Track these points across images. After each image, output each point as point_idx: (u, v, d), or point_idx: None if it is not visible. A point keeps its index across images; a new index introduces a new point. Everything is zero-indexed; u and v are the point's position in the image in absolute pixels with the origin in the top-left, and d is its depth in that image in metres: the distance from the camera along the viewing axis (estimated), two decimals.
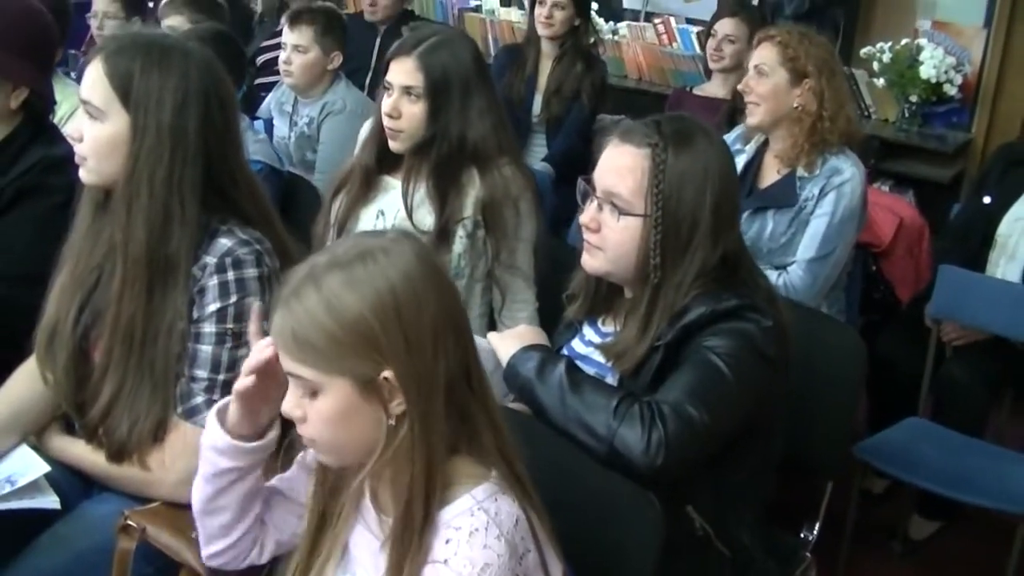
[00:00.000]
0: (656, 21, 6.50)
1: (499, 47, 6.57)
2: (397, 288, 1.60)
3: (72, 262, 2.26)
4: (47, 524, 2.19)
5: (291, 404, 1.66)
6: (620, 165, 2.24)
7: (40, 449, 2.29)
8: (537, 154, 4.95)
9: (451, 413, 1.64)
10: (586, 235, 2.30)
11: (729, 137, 3.71)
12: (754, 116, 3.55)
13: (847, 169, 3.46)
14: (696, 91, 5.12)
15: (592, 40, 5.20)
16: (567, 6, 4.91)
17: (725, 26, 4.90)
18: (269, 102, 4.64)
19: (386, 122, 2.92)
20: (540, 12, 4.92)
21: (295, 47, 4.27)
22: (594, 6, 6.37)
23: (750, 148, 3.69)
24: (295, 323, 1.61)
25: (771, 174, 3.60)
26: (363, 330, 1.58)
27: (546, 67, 5.00)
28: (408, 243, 1.67)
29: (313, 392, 1.63)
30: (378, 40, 5.49)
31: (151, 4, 5.43)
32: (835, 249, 3.45)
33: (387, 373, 1.59)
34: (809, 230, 3.46)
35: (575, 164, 4.78)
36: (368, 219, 3.00)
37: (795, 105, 3.48)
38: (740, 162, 3.58)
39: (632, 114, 5.22)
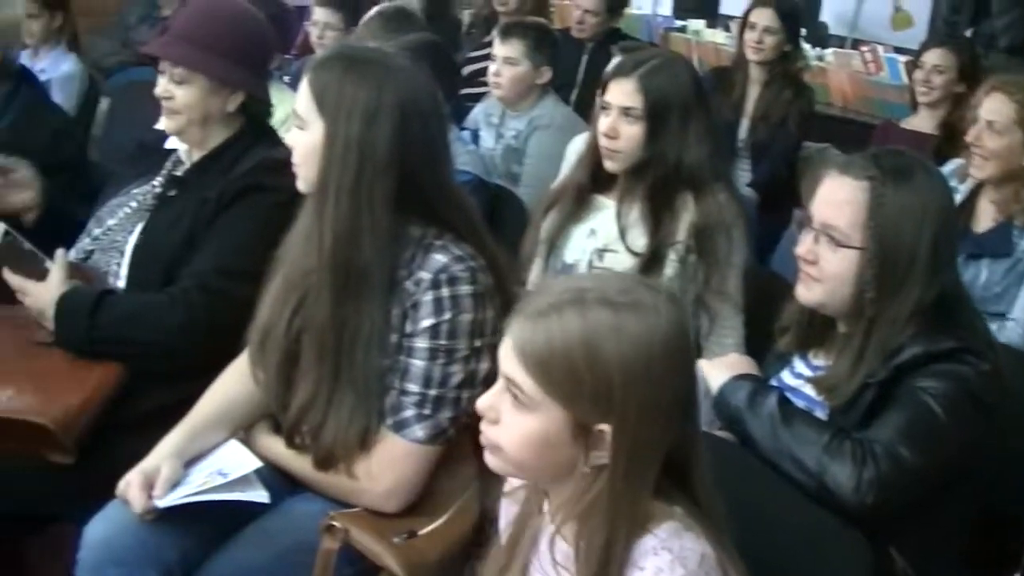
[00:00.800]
0: (863, 49, 6.40)
1: (704, 69, 6.57)
2: (654, 354, 1.57)
3: (287, 266, 2.32)
4: (252, 518, 2.25)
5: (488, 403, 1.65)
6: (839, 198, 2.22)
7: (249, 446, 2.36)
8: (741, 179, 4.91)
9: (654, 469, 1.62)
10: (802, 266, 2.29)
11: (945, 170, 3.63)
12: (981, 170, 3.46)
13: None
14: (903, 124, 5.00)
15: (799, 66, 5.18)
16: (778, 31, 4.88)
17: (933, 56, 4.78)
18: (476, 114, 4.69)
19: (603, 142, 2.94)
20: (750, 37, 4.90)
21: (505, 59, 4.33)
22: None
23: (964, 188, 3.59)
24: (545, 339, 1.58)
25: (986, 219, 3.50)
26: (606, 379, 1.55)
27: (753, 92, 4.98)
28: (676, 310, 1.64)
29: (523, 405, 1.61)
30: (585, 57, 5.51)
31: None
32: None
33: (604, 427, 1.57)
34: None
35: (779, 191, 4.76)
36: (580, 237, 3.03)
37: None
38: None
39: (836, 143, 5.19)
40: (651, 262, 2.89)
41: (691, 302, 2.97)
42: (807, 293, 2.29)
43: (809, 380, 2.33)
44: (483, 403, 1.66)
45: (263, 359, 2.33)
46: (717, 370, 2.35)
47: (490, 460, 1.69)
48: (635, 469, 1.59)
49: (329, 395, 2.19)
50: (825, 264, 2.23)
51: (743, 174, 4.94)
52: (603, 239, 2.98)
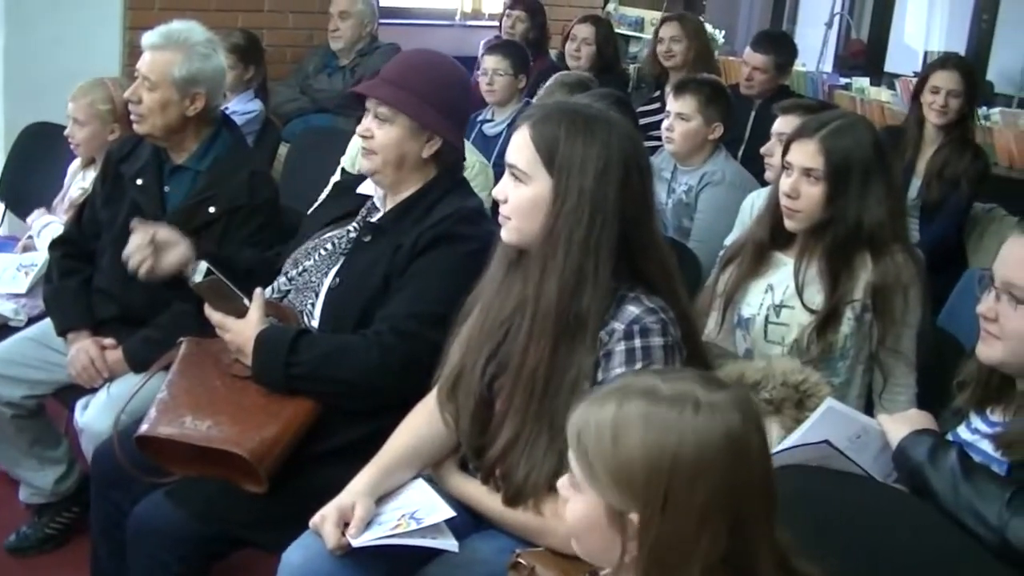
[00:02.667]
0: None
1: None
2: (684, 449, 1.56)
3: (482, 314, 2.40)
4: (438, 553, 2.32)
5: (563, 482, 1.71)
6: (1021, 257, 2.23)
7: (437, 483, 2.45)
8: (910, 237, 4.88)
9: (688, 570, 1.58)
10: (984, 324, 2.29)
11: None
12: None
13: None
14: None
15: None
16: (962, 95, 4.82)
17: None
18: None
19: (784, 201, 2.97)
20: (934, 100, 4.84)
21: (678, 115, 4.38)
22: None
23: None
24: (583, 425, 1.64)
25: None
26: (628, 469, 1.58)
27: (926, 152, 4.91)
28: (739, 411, 1.61)
29: (575, 485, 1.66)
30: (753, 114, 5.57)
31: (532, 62, 5.73)
32: None
33: (633, 516, 1.59)
34: None
35: (947, 252, 4.72)
36: (757, 293, 3.06)
37: None
38: None
39: (1003, 203, 5.12)
40: (828, 319, 2.91)
41: (865, 359, 2.99)
42: (988, 351, 2.29)
43: (987, 436, 2.32)
44: (561, 483, 1.72)
45: (455, 401, 2.42)
46: (897, 424, 2.37)
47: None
48: (662, 565, 1.59)
49: (529, 437, 2.26)
50: (1006, 322, 2.23)
51: (911, 233, 4.89)
52: (780, 295, 3.01)
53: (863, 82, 7.10)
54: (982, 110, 6.34)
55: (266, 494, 2.54)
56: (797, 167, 2.97)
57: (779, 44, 5.83)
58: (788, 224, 2.99)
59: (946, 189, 4.80)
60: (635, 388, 1.63)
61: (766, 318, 3.02)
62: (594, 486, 1.62)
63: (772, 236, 3.07)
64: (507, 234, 2.35)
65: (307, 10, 6.71)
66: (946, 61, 5.10)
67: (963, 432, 2.40)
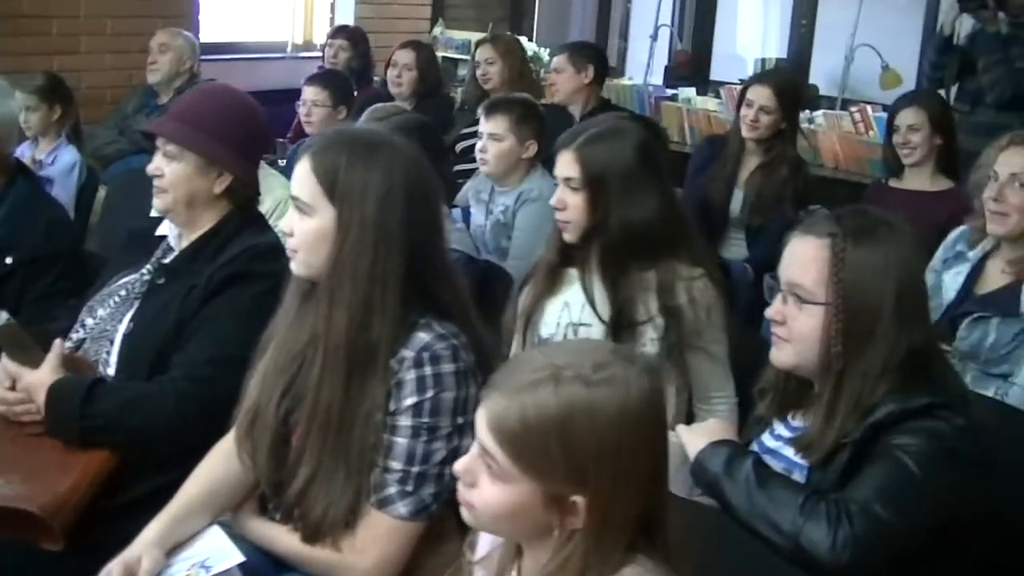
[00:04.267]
0: (852, 110, 6.45)
1: (696, 137, 6.65)
2: (626, 428, 1.60)
3: (276, 349, 2.35)
4: None
5: (464, 467, 1.69)
6: (802, 257, 2.29)
7: (234, 527, 2.39)
8: (735, 249, 4.95)
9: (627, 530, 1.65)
10: (773, 328, 2.34)
11: (951, 236, 3.66)
12: (1003, 226, 3.41)
13: None
14: (895, 183, 4.93)
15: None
16: (774, 111, 4.86)
17: (906, 117, 4.75)
18: (467, 191, 4.75)
19: (556, 214, 3.01)
20: (746, 113, 4.89)
21: (491, 135, 4.37)
22: None
23: (975, 254, 3.59)
24: (519, 416, 1.61)
25: (995, 279, 3.49)
26: (580, 457, 1.59)
27: (749, 163, 4.96)
28: (649, 381, 1.66)
29: (496, 476, 1.64)
30: None
31: (355, 92, 5.73)
32: None
33: (578, 498, 1.60)
34: None
35: (775, 266, 4.79)
36: (554, 311, 3.07)
37: None
38: (964, 268, 3.53)
39: (828, 205, 5.21)
40: (619, 329, 2.93)
41: (676, 378, 3.01)
42: (779, 355, 2.33)
43: (788, 441, 2.35)
44: (459, 466, 1.70)
45: (252, 441, 2.36)
46: (695, 437, 2.38)
47: (466, 516, 1.74)
48: (608, 533, 1.62)
49: (327, 472, 2.22)
50: (793, 323, 2.28)
51: (737, 242, 4.97)
52: (577, 313, 3.02)
53: (689, 92, 7.22)
54: (805, 114, 6.51)
55: (63, 551, 2.44)
56: (560, 178, 2.99)
57: (585, 54, 5.85)
58: (564, 236, 3.01)
59: (768, 209, 4.84)
60: (565, 375, 1.61)
61: (564, 336, 3.02)
62: (533, 476, 1.61)
63: (561, 253, 3.07)
64: (296, 267, 2.32)
65: (125, 50, 6.63)
66: (762, 76, 5.21)
67: (767, 440, 2.44)
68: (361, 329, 2.20)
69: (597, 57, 5.85)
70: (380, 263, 2.20)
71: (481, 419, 1.66)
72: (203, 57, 6.54)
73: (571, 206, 2.96)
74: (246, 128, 2.88)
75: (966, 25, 5.62)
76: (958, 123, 5.57)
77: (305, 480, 2.25)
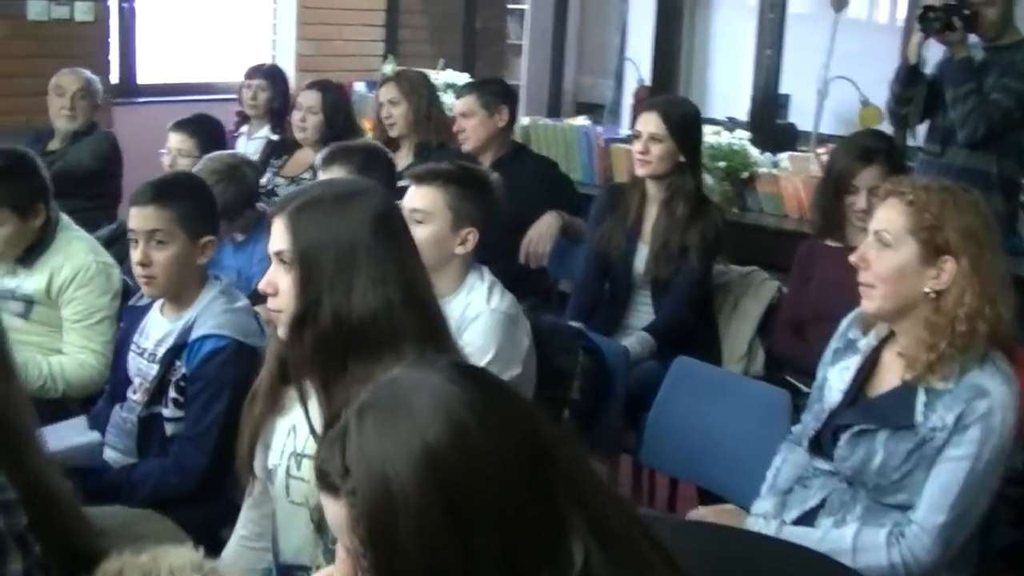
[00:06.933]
0: (820, 151, 5.66)
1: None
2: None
3: None
4: None
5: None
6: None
7: None
8: (641, 315, 4.19)
9: None
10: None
11: (846, 320, 2.78)
12: (867, 300, 2.61)
13: (994, 389, 2.48)
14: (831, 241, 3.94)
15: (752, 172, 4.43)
16: (665, 139, 4.06)
17: (867, 178, 3.71)
18: None
19: (268, 302, 2.26)
20: (635, 147, 4.12)
21: None
22: (745, 134, 5.65)
23: (867, 342, 2.72)
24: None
25: (890, 377, 2.64)
26: None
27: (651, 212, 4.18)
28: None
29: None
30: None
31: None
32: (974, 504, 2.49)
33: None
34: (938, 478, 2.48)
35: (681, 334, 4.03)
36: (280, 435, 2.37)
37: (926, 291, 2.52)
38: (853, 361, 2.71)
39: (774, 261, 4.45)
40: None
41: None
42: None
43: None
44: None
45: None
46: None
47: None
48: None
49: None
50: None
51: (644, 309, 4.20)
52: (302, 439, 2.27)
53: None
54: (765, 155, 5.73)
55: None
56: (271, 253, 2.24)
57: (497, 92, 5.03)
58: (278, 332, 2.25)
59: (673, 262, 4.08)
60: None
61: (287, 470, 2.30)
62: None
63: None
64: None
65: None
66: (649, 102, 4.44)
67: None
68: None
69: (509, 96, 5.04)
70: None
71: None
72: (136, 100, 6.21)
73: (283, 290, 2.20)
74: None
75: (935, 51, 4.82)
76: (926, 165, 4.81)
77: None
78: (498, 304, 3.05)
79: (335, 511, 1.39)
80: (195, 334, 2.94)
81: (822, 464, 2.67)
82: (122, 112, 6.78)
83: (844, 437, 2.57)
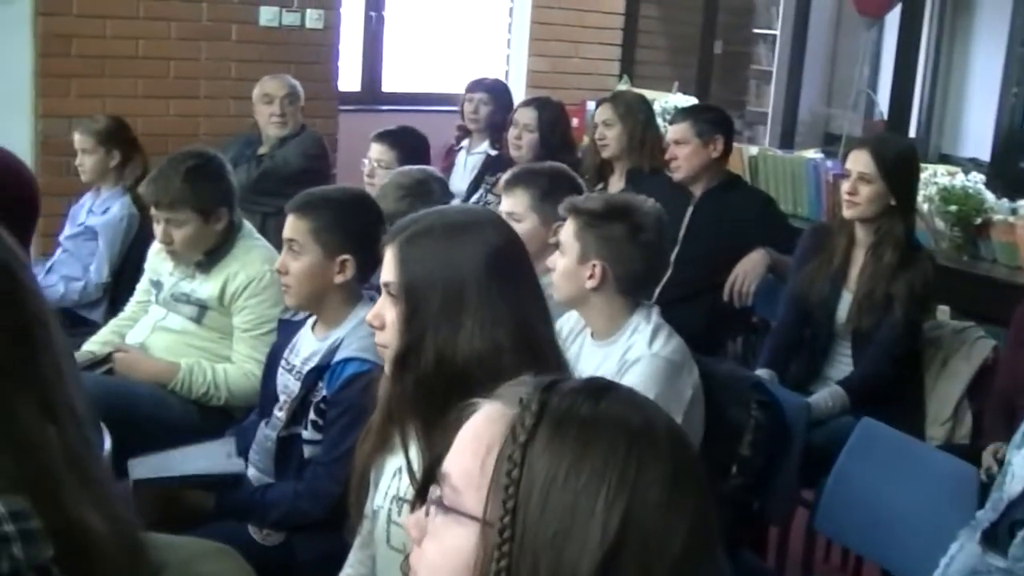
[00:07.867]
0: None
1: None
2: None
3: None
4: None
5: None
6: None
7: None
8: (841, 367, 3.93)
9: None
10: None
11: None
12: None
13: None
14: None
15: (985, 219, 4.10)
16: (875, 180, 3.78)
17: None
18: None
19: (375, 336, 2.15)
20: (844, 186, 3.85)
21: (508, 215, 3.51)
22: (980, 177, 5.24)
23: None
24: None
25: None
26: None
27: (858, 257, 3.91)
28: None
29: None
30: (690, 208, 4.68)
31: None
32: None
33: None
34: None
35: (879, 391, 3.76)
36: (387, 476, 2.24)
37: None
38: None
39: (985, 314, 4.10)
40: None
41: None
42: None
43: None
44: None
45: None
46: None
47: None
48: None
49: None
50: None
51: (843, 360, 3.93)
52: (406, 482, 2.13)
53: None
54: (1002, 202, 5.32)
55: None
56: (381, 284, 2.12)
57: (712, 121, 4.75)
58: (386, 369, 2.13)
59: (877, 312, 3.81)
60: None
61: (388, 514, 2.17)
62: None
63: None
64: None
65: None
66: (861, 140, 4.16)
67: None
68: None
69: (726, 125, 4.80)
70: None
71: None
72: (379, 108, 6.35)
73: (389, 324, 2.08)
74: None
75: None
76: None
77: None
78: (660, 348, 2.86)
79: None
80: (339, 356, 2.86)
81: (996, 560, 2.40)
82: (361, 119, 6.80)
83: (1021, 535, 2.30)
